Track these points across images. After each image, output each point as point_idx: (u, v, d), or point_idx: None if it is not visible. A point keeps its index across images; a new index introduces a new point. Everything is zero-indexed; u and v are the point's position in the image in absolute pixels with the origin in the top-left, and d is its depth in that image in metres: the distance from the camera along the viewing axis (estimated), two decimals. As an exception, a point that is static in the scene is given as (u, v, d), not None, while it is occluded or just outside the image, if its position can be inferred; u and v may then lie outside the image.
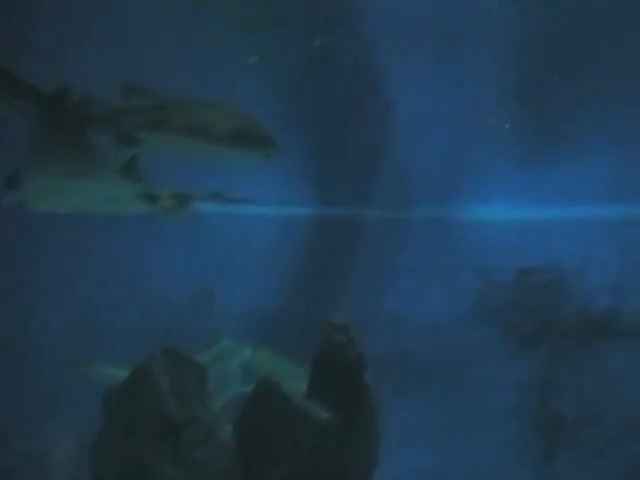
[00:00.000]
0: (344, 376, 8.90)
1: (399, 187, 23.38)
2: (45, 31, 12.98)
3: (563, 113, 19.15)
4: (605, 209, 24.85)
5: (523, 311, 20.65)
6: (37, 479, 12.74)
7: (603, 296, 20.84)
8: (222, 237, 22.73)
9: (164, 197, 8.47)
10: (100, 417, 8.34)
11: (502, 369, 18.36)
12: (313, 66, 16.48)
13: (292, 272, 23.24)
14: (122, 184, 7.81)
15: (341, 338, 8.92)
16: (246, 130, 7.38)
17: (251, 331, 15.16)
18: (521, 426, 15.49)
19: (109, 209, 8.36)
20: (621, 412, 15.75)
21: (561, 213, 25.61)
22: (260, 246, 23.78)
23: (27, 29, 12.79)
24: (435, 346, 19.53)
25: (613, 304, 20.41)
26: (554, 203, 25.33)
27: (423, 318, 21.22)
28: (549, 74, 17.34)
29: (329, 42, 15.29)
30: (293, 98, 17.69)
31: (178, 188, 8.78)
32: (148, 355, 8.62)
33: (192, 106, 7.67)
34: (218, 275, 21.37)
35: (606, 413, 15.66)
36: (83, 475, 8.38)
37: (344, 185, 23.40)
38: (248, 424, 8.62)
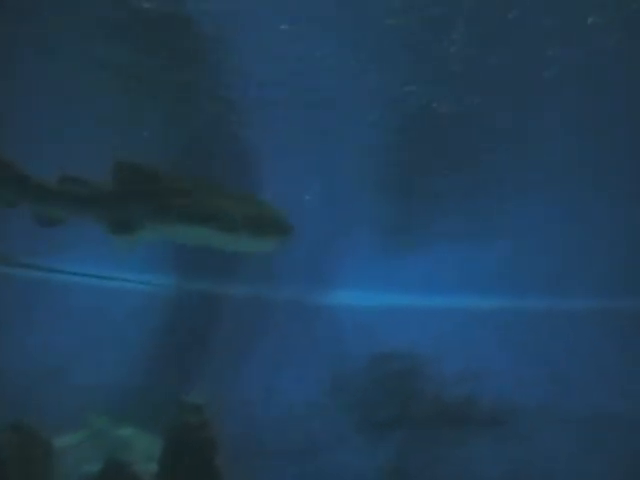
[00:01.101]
0: (196, 458, 8.86)
1: (263, 267, 23.53)
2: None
3: (424, 207, 20.08)
4: (462, 298, 25.96)
5: (378, 397, 20.85)
6: None
7: (458, 384, 21.37)
8: (80, 310, 22.16)
9: None
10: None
11: (356, 455, 18.41)
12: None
13: (151, 348, 22.78)
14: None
15: (195, 419, 8.92)
16: (261, 217, 7.29)
17: (111, 406, 14.75)
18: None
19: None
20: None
21: (420, 301, 26.43)
22: (119, 320, 23.25)
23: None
24: (290, 431, 19.38)
25: (468, 392, 20.90)
26: (413, 291, 26.13)
27: (280, 400, 21.07)
28: (413, 171, 18.30)
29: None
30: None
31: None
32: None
33: (208, 193, 7.40)
34: (74, 348, 20.73)
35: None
36: None
37: (208, 261, 23.31)
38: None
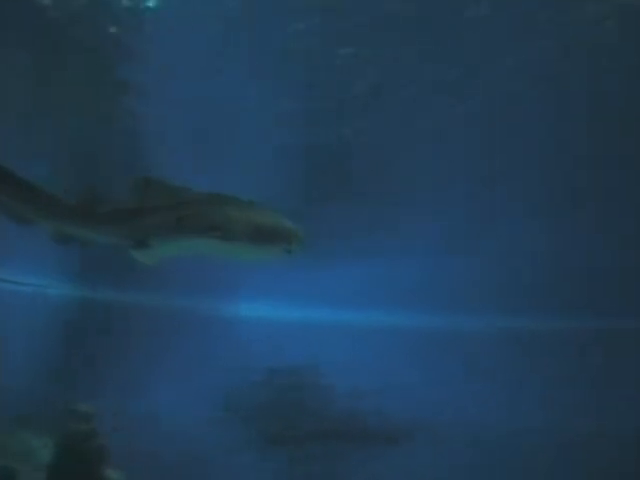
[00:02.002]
0: (83, 466, 8.84)
1: (167, 276, 23.30)
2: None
3: (327, 224, 20.41)
4: (367, 314, 26.31)
5: (273, 411, 20.94)
6: None
7: (357, 399, 21.65)
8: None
9: None
10: None
11: (248, 469, 18.44)
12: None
13: (45, 354, 22.22)
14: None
15: (83, 427, 8.91)
16: (267, 226, 7.06)
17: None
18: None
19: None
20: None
21: (323, 315, 26.59)
22: (9, 325, 22.56)
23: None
24: (183, 443, 19.18)
25: (366, 407, 21.21)
26: (318, 305, 26.30)
27: (175, 413, 20.77)
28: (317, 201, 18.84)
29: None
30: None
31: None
32: None
33: (210, 202, 7.27)
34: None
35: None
36: None
37: (106, 268, 22.89)
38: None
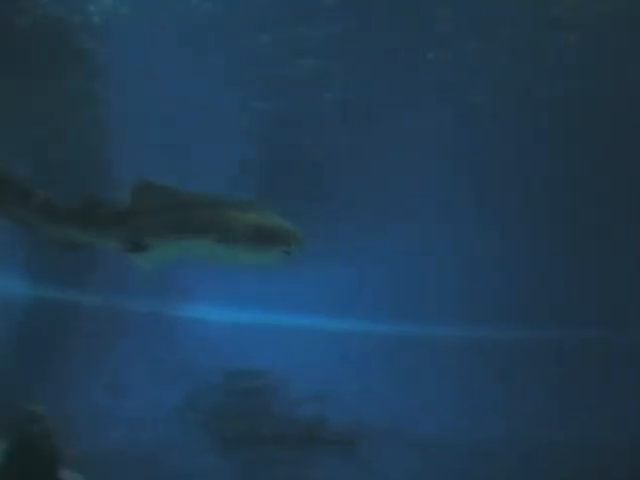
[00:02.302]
0: (36, 470, 8.60)
1: (119, 276, 22.96)
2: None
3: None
4: (320, 320, 26.30)
5: (229, 414, 20.74)
6: None
7: (308, 404, 21.47)
8: None
9: None
10: None
11: (206, 471, 18.31)
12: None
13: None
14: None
15: (36, 428, 8.66)
16: (266, 227, 6.94)
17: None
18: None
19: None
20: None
21: (277, 320, 26.51)
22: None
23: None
24: (142, 444, 19.00)
25: (317, 412, 21.03)
26: (272, 310, 26.18)
27: (131, 414, 20.57)
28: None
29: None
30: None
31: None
32: None
33: (209, 204, 7.10)
34: None
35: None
36: None
37: (59, 267, 22.44)
38: None
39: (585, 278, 23.50)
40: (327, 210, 18.98)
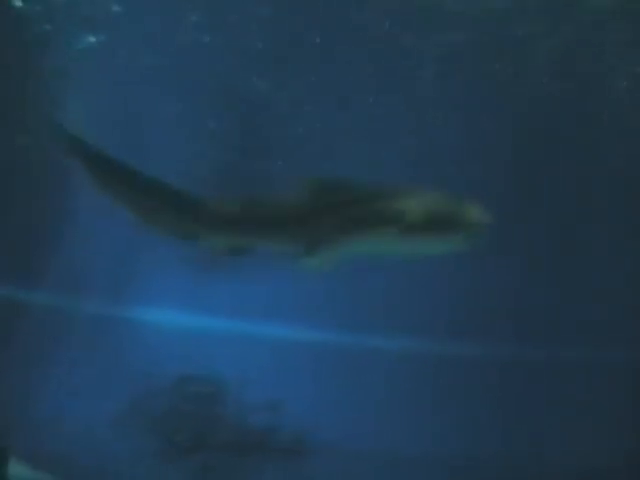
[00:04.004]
0: None
1: (70, 276, 22.80)
2: None
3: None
4: (271, 327, 26.33)
5: (178, 420, 20.42)
6: None
7: (261, 412, 21.16)
8: None
9: None
10: None
11: (153, 476, 18.18)
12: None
13: None
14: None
15: None
16: (448, 213, 6.62)
17: None
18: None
19: None
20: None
21: (231, 326, 26.50)
22: None
23: None
24: (82, 452, 18.68)
25: (269, 421, 20.82)
26: (226, 315, 26.08)
27: (76, 420, 20.21)
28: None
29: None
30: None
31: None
32: None
33: (383, 195, 6.83)
34: None
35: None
36: None
37: (5, 263, 22.19)
38: None
39: (537, 290, 23.79)
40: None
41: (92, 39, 14.14)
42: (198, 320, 26.57)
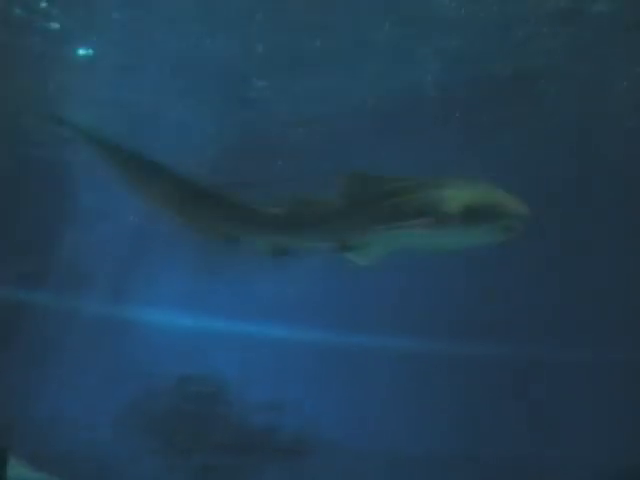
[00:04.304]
0: None
1: (70, 276, 22.77)
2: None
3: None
4: (272, 327, 26.31)
5: (179, 420, 20.46)
6: None
7: (261, 412, 21.42)
8: None
9: None
10: None
11: (153, 476, 18.17)
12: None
13: None
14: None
15: None
16: (485, 204, 6.50)
17: None
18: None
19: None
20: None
21: (232, 326, 26.47)
22: None
23: None
24: (88, 447, 18.72)
25: (271, 421, 21.03)
26: (226, 315, 26.06)
27: (76, 420, 20.23)
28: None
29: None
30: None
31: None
32: None
33: (420, 187, 6.80)
34: None
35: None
36: None
37: (8, 264, 22.20)
38: None
39: (537, 290, 23.77)
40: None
41: (91, 46, 14.11)
42: (199, 320, 26.51)
